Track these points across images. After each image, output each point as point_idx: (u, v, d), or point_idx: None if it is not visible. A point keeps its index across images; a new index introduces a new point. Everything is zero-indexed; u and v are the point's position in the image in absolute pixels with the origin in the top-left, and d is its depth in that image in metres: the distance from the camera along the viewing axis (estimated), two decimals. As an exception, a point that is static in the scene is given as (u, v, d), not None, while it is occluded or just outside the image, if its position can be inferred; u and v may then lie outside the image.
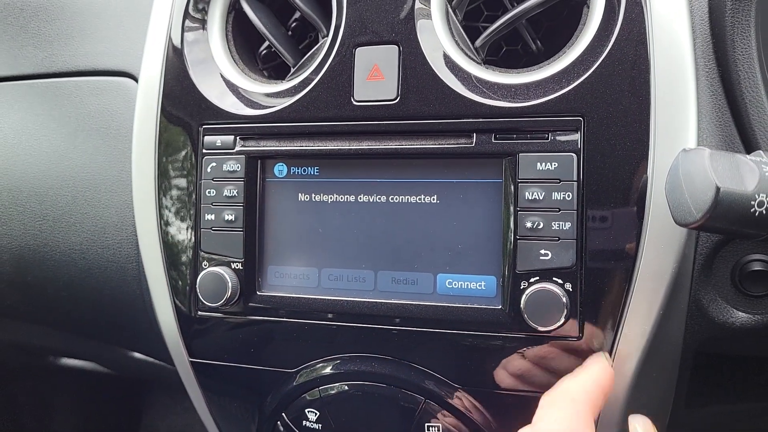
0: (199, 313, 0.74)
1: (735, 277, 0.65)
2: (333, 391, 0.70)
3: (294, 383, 0.72)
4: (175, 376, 0.88)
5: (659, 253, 0.61)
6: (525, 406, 0.65)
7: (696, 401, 0.76)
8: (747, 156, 0.51)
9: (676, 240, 0.61)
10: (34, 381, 1.52)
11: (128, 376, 1.36)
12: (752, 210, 0.48)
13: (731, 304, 0.66)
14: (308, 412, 0.71)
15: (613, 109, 0.62)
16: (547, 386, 0.63)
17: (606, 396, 0.60)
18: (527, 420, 0.63)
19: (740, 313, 0.66)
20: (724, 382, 0.80)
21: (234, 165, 0.72)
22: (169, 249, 0.75)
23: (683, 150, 0.52)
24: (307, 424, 0.71)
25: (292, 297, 0.71)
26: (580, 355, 0.62)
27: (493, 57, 0.72)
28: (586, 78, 0.62)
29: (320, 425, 0.71)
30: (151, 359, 1.07)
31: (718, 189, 0.48)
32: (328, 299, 0.69)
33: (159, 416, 1.96)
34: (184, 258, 0.75)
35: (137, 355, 1.10)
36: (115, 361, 1.18)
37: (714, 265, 0.65)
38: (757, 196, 0.48)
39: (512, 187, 0.63)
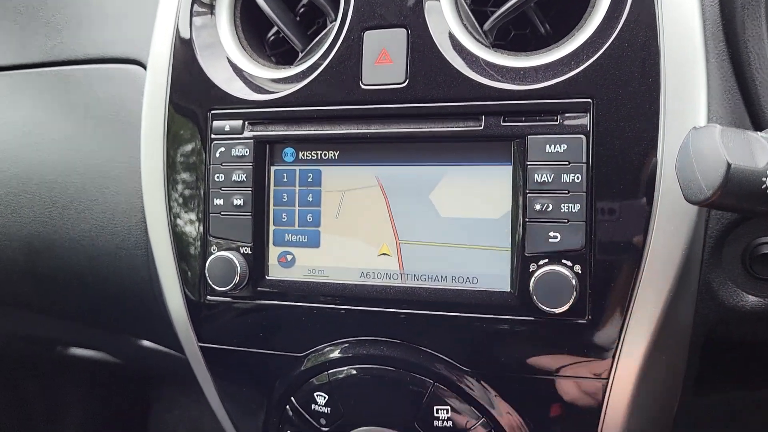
0: (209, 297, 0.75)
1: (745, 260, 0.65)
2: (342, 375, 0.70)
3: (302, 367, 0.72)
4: (183, 365, 0.88)
5: (669, 235, 0.61)
6: (534, 389, 0.65)
7: (704, 388, 0.76)
8: (758, 133, 0.51)
9: (686, 222, 0.61)
10: (43, 373, 1.53)
11: (137, 366, 1.37)
12: (763, 186, 0.48)
13: (741, 288, 0.66)
14: (317, 396, 0.71)
15: (622, 91, 0.61)
16: (556, 370, 0.63)
17: None
18: (535, 403, 0.63)
19: (750, 296, 0.65)
20: (733, 369, 0.79)
21: (242, 150, 0.72)
22: (178, 234, 0.76)
23: (694, 128, 0.52)
24: (316, 408, 0.71)
25: (301, 281, 0.71)
26: (589, 337, 0.62)
27: (501, 41, 0.72)
28: (595, 60, 0.62)
29: (329, 409, 0.71)
30: (159, 347, 1.07)
31: (729, 165, 0.47)
32: (336, 283, 0.70)
33: (167, 409, 1.95)
34: (193, 243, 0.75)
35: (146, 343, 1.10)
36: (124, 350, 1.18)
37: (724, 248, 0.65)
38: (768, 173, 0.48)
39: (521, 170, 0.63)
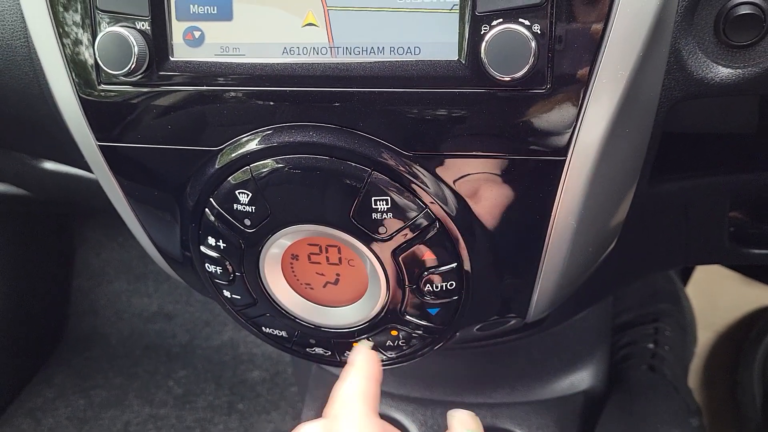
0: (102, 86, 0.63)
1: (719, 24, 0.57)
2: (265, 168, 0.61)
3: (219, 163, 0.63)
4: (94, 189, 0.78)
5: (641, -12, 0.52)
6: (485, 172, 0.58)
7: (659, 177, 0.71)
8: None
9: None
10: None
11: (48, 197, 1.25)
12: None
13: (711, 58, 0.59)
14: (239, 194, 0.62)
15: None
16: (509, 148, 0.56)
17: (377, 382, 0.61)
18: (486, 188, 0.56)
19: (721, 67, 0.59)
20: (687, 158, 0.75)
21: None
22: (59, 8, 0.62)
23: None
24: (239, 207, 0.63)
25: (212, 62, 0.60)
26: (546, 108, 0.54)
27: None
28: None
29: (253, 207, 0.62)
30: (64, 169, 0.96)
31: None
32: (254, 62, 0.59)
33: (93, 252, 1.89)
34: (77, 19, 0.62)
35: (48, 166, 0.99)
36: (28, 177, 1.07)
37: (697, 10, 0.57)
38: None
39: None
